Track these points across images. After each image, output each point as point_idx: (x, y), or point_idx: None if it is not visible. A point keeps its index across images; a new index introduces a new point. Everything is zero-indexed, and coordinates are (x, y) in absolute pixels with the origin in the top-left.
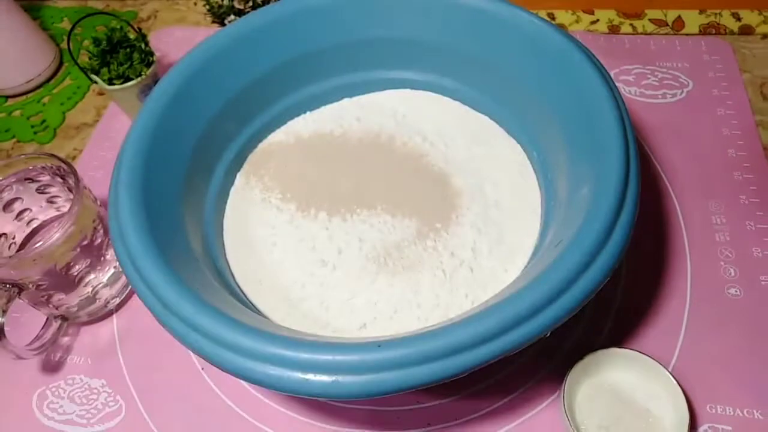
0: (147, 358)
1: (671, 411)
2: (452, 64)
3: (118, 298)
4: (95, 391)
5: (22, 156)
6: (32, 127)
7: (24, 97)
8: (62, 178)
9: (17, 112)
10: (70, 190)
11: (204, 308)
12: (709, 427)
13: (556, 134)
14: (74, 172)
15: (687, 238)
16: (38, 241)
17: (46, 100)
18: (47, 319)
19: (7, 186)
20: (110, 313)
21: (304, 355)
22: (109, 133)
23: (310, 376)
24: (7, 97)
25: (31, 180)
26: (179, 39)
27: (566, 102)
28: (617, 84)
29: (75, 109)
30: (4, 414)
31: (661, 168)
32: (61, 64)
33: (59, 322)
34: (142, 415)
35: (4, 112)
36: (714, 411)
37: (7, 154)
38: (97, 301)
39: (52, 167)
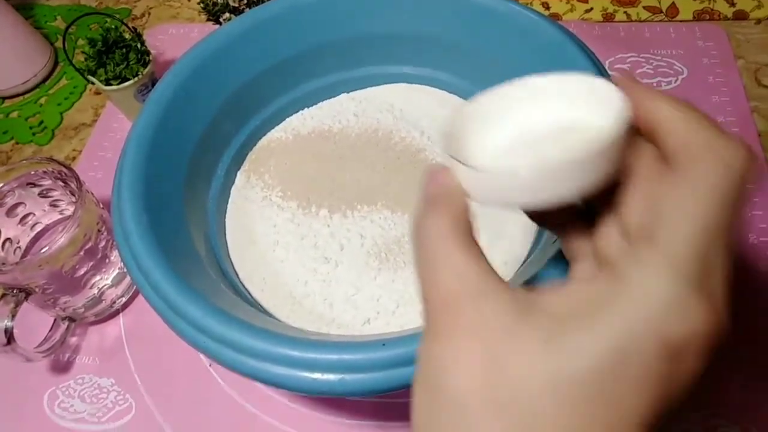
0: (154, 356)
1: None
2: (448, 58)
3: (123, 298)
4: (104, 390)
5: (24, 161)
6: (30, 128)
7: (21, 98)
8: (64, 182)
9: (15, 114)
10: (72, 193)
11: (211, 311)
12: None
13: None
14: (76, 177)
15: None
16: (44, 246)
17: (43, 100)
18: (54, 320)
19: (9, 191)
20: (116, 313)
21: (311, 355)
22: (107, 132)
23: (318, 375)
24: (4, 98)
25: (33, 185)
26: (174, 36)
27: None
28: (612, 72)
29: (72, 109)
30: (18, 415)
31: None
32: (56, 63)
33: (67, 323)
34: (151, 413)
35: (2, 114)
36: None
37: (7, 156)
38: (103, 301)
39: (53, 171)
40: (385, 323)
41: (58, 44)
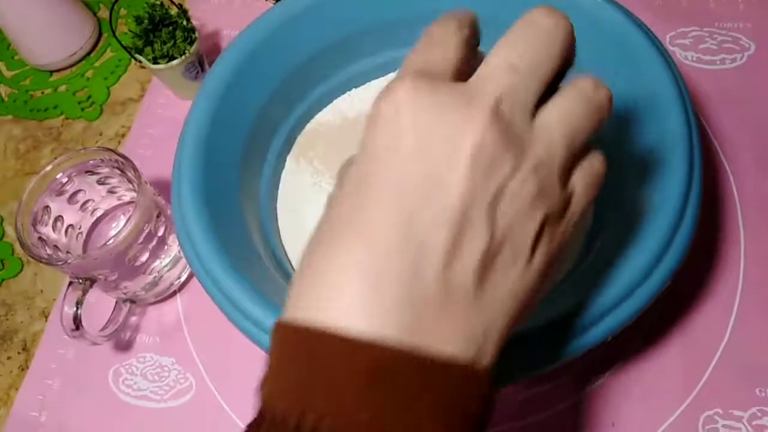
0: (212, 336)
1: None
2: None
3: (181, 278)
4: (165, 368)
5: (81, 150)
6: (79, 103)
7: (68, 71)
8: (120, 170)
9: (63, 87)
10: (129, 181)
11: (273, 309)
12: (758, 410)
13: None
14: (133, 167)
15: (742, 220)
16: (104, 232)
17: (89, 74)
18: (116, 303)
19: (69, 180)
20: (174, 293)
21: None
22: (155, 109)
23: None
24: (51, 71)
25: (92, 172)
26: (217, 6)
27: (621, 89)
28: (672, 49)
29: (119, 83)
30: (86, 390)
31: (716, 142)
32: (100, 34)
33: (128, 305)
34: (211, 392)
35: (50, 88)
36: (764, 394)
37: (58, 132)
38: (162, 283)
39: (110, 160)
40: None
41: (101, 14)
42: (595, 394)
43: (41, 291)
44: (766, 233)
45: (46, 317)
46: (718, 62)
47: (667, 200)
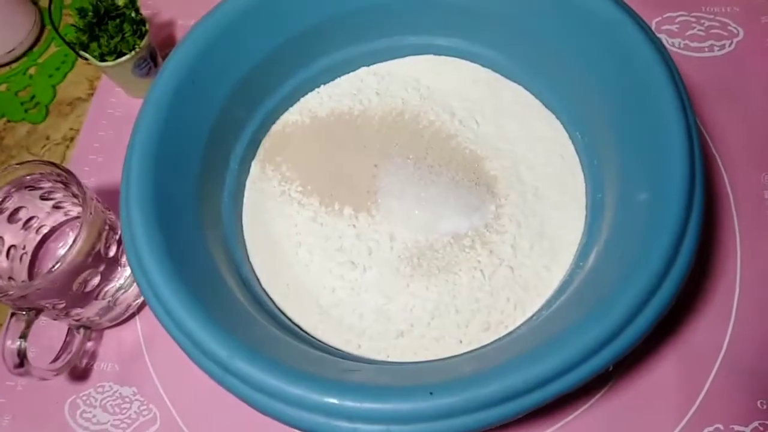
0: (176, 362)
1: None
2: (479, 27)
3: (138, 300)
4: (127, 399)
5: (15, 165)
6: (22, 104)
7: (8, 68)
8: (64, 184)
9: (3, 87)
10: (75, 196)
11: (238, 350)
12: (759, 424)
13: (601, 115)
14: (78, 183)
15: (736, 214)
16: (57, 256)
17: (32, 71)
18: (69, 329)
19: (7, 196)
20: (133, 315)
21: (351, 404)
22: (105, 109)
23: (359, 426)
24: None
25: (32, 188)
26: None
27: (613, 79)
28: (659, 35)
29: (65, 80)
30: (40, 426)
31: (707, 134)
32: (42, 26)
33: (82, 331)
34: (178, 425)
35: None
36: (766, 407)
37: (0, 137)
38: (118, 307)
39: (51, 174)
40: (420, 335)
41: (42, 4)
42: (591, 411)
43: None
44: (762, 231)
45: None
46: (706, 49)
47: (667, 212)
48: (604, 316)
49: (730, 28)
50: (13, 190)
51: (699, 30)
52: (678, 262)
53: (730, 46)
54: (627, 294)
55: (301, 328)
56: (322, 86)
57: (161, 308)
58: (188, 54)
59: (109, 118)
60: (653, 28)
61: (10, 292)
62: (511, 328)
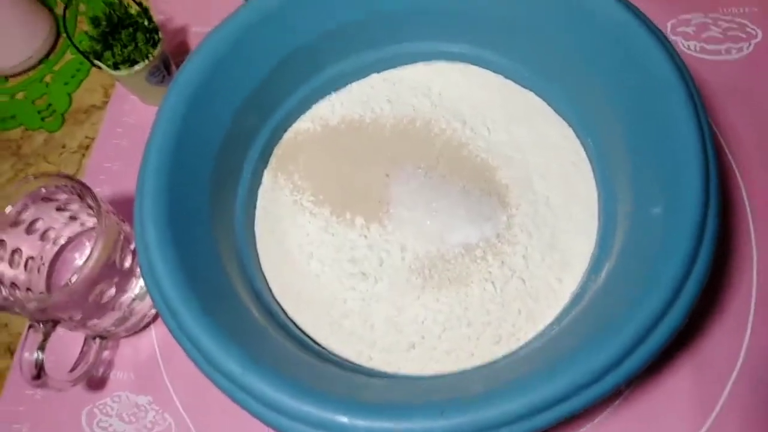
0: (191, 371)
1: None
2: (490, 32)
3: (153, 310)
4: (142, 408)
5: (30, 178)
6: (39, 112)
7: (25, 75)
8: (80, 196)
9: (20, 95)
10: (90, 207)
11: (251, 367)
12: None
13: (613, 122)
14: (93, 196)
15: (752, 221)
16: (73, 265)
17: (48, 78)
18: (85, 339)
19: (23, 208)
20: (149, 324)
21: (362, 423)
22: (120, 117)
23: None
24: (7, 77)
25: (49, 199)
26: None
27: (625, 86)
28: (674, 38)
29: (81, 88)
30: None
31: (723, 138)
32: (58, 34)
33: (98, 341)
34: None
35: (6, 95)
36: None
37: (17, 146)
38: (133, 317)
39: (66, 186)
40: (431, 348)
41: (58, 11)
42: (603, 424)
43: (6, 325)
44: None
45: (12, 353)
46: (723, 52)
47: (680, 228)
48: (614, 337)
49: (748, 29)
50: (29, 201)
51: (716, 32)
52: (690, 281)
53: (748, 48)
54: (637, 316)
55: (313, 340)
56: (333, 93)
57: (175, 323)
58: (199, 67)
59: (124, 126)
60: (668, 30)
61: (29, 306)
62: (522, 341)
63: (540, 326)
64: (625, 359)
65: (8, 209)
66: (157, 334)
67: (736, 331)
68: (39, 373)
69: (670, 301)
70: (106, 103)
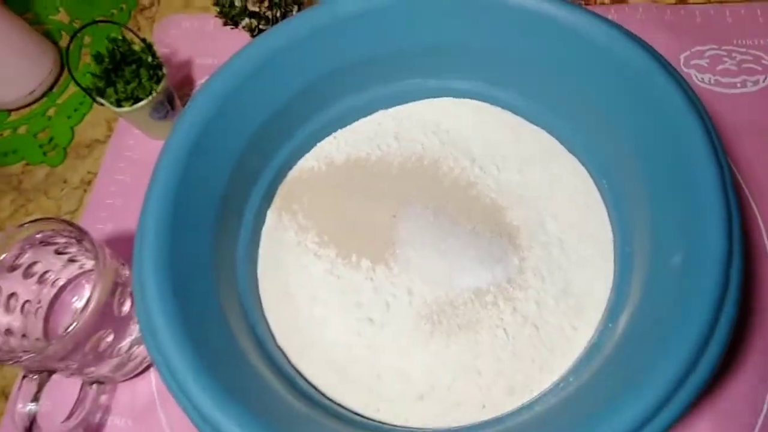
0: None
1: None
2: (500, 69)
3: None
4: None
5: (26, 224)
6: (40, 146)
7: (28, 109)
8: (77, 240)
9: (23, 129)
10: (88, 250)
11: (250, 428)
12: None
13: (629, 164)
14: (91, 241)
15: None
16: (72, 309)
17: (51, 112)
18: (82, 385)
19: (20, 252)
20: (148, 367)
21: None
22: (123, 152)
23: None
24: (10, 111)
25: (47, 243)
26: (187, 30)
27: (641, 128)
28: (687, 71)
29: (84, 122)
30: None
31: (739, 173)
32: (62, 67)
33: (95, 387)
34: None
35: (9, 129)
36: None
37: (18, 180)
38: (131, 361)
39: (63, 230)
40: (440, 400)
41: (62, 43)
42: None
43: (0, 366)
44: None
45: (7, 397)
46: (738, 85)
47: (704, 278)
48: (634, 402)
49: (763, 61)
50: (27, 246)
51: (731, 64)
52: (714, 339)
53: (764, 81)
54: (658, 380)
55: (317, 389)
56: (339, 131)
57: (173, 380)
58: (203, 110)
59: (127, 161)
60: (681, 63)
61: (23, 359)
62: (536, 393)
63: (554, 377)
64: (649, 422)
65: (3, 256)
66: (155, 376)
67: (760, 379)
68: (31, 426)
69: (695, 359)
70: (109, 137)
